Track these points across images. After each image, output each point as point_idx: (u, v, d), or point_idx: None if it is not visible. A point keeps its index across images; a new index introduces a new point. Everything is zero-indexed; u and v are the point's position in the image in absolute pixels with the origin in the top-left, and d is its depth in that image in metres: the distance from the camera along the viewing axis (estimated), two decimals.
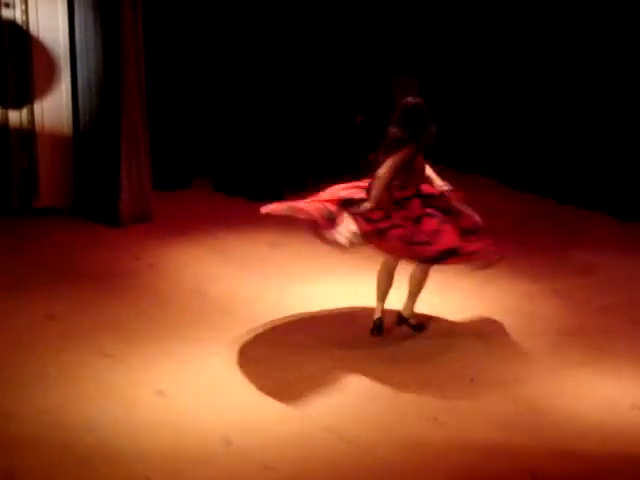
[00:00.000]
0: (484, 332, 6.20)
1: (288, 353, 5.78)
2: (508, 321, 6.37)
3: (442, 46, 9.76)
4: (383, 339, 6.01)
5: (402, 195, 5.71)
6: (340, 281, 6.94)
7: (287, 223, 8.08)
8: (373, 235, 5.56)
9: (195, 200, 8.98)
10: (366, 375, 5.53)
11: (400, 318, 6.09)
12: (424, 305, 6.43)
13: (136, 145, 8.14)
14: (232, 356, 5.78)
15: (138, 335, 6.02)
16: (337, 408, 5.18)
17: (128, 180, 8.14)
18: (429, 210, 5.63)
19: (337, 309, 6.35)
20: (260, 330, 6.14)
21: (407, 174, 5.65)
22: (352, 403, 5.31)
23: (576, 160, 8.49)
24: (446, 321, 6.38)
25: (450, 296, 6.77)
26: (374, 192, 5.57)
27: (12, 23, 7.94)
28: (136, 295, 6.65)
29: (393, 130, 5.64)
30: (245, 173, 9.15)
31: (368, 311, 6.12)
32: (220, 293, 6.71)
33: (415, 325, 6.12)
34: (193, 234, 7.96)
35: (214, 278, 7.05)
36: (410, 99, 5.65)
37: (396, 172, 5.56)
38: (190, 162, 9.44)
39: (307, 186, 8.72)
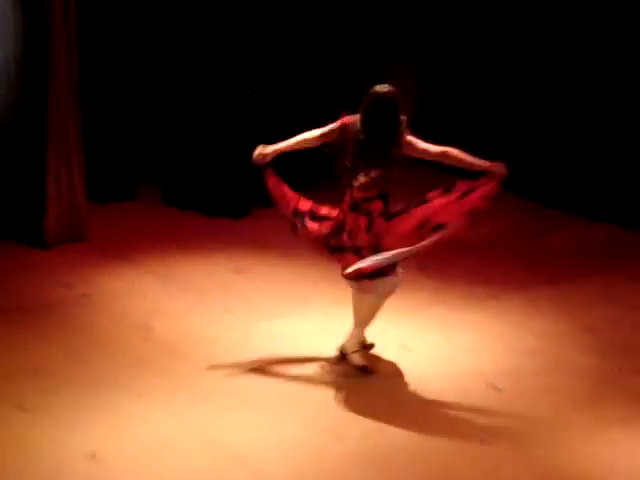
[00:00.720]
0: (497, 380, 6.17)
1: (253, 408, 5.76)
2: (527, 367, 6.36)
3: (447, 28, 9.94)
4: (369, 386, 6.05)
5: (362, 196, 5.85)
6: (316, 316, 6.97)
7: (253, 244, 8.35)
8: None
9: (140, 215, 8.99)
10: (350, 436, 5.56)
11: (340, 354, 6.20)
12: (420, 346, 6.45)
13: (66, 149, 8.12)
14: (184, 411, 5.73)
15: (66, 383, 5.97)
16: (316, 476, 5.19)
17: (56, 190, 8.11)
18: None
19: (312, 352, 6.41)
20: (219, 378, 6.13)
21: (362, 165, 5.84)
22: (337, 468, 5.26)
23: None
24: (449, 366, 6.37)
25: (454, 334, 6.78)
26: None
27: None
28: (65, 333, 6.65)
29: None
30: (202, 183, 9.14)
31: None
32: (170, 331, 6.73)
33: (360, 366, 6.13)
34: (137, 257, 7.96)
35: (163, 312, 7.04)
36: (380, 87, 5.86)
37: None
38: (134, 169, 9.45)
39: None
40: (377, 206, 5.92)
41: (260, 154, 6.16)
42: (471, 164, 5.87)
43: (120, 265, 7.80)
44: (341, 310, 6.60)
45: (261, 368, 6.20)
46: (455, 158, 5.88)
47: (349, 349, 6.23)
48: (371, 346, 6.37)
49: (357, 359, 6.19)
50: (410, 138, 5.89)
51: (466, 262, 8.04)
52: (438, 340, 6.66)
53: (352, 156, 5.84)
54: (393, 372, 6.25)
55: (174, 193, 9.27)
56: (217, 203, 9.00)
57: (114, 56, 9.10)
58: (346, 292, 6.57)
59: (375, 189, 5.90)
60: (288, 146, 6.11)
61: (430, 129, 9.68)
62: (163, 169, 9.45)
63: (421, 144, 5.89)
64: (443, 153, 5.87)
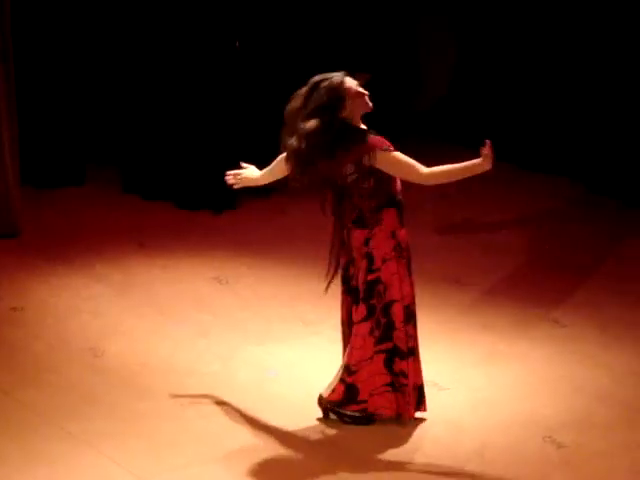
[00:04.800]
0: (558, 434, 6.05)
1: (232, 465, 5.69)
2: (599, 417, 6.26)
3: None
4: (388, 436, 5.99)
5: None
6: (318, 341, 6.95)
7: (240, 246, 8.33)
8: None
9: (90, 205, 9.04)
10: None
11: (321, 403, 6.16)
12: (457, 385, 6.42)
13: None
14: (144, 466, 5.63)
15: None
16: None
17: None
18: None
19: (312, 391, 6.26)
20: (189, 422, 6.06)
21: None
22: None
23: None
24: (495, 412, 6.29)
25: (502, 370, 6.72)
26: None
27: None
28: None
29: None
30: (175, 165, 9.16)
31: None
32: (127, 357, 6.75)
33: (352, 415, 6.04)
34: (85, 259, 8.00)
35: (118, 333, 7.02)
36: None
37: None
38: (83, 146, 9.48)
39: (273, 189, 8.84)
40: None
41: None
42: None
43: (63, 270, 7.83)
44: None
45: (245, 411, 6.14)
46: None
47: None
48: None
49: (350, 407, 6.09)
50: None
51: (515, 273, 8.08)
52: (481, 378, 6.61)
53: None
54: (422, 419, 6.16)
55: (137, 178, 9.30)
56: (194, 192, 9.05)
57: (61, 19, 9.27)
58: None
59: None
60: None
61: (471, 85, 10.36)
62: (122, 147, 9.48)
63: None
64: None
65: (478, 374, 6.63)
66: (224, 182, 8.86)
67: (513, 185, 9.80)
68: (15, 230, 8.28)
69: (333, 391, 6.04)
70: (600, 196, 9.51)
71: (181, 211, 8.97)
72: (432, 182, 5.91)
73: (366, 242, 5.89)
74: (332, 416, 6.08)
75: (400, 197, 5.95)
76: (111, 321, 7.15)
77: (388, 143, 5.83)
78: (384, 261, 5.88)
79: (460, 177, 5.90)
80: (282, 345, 6.91)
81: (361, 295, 5.93)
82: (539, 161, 10.07)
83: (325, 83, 5.82)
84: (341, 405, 6.00)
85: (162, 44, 9.10)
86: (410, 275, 5.97)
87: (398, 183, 5.97)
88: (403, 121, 10.17)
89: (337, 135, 5.78)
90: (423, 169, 5.83)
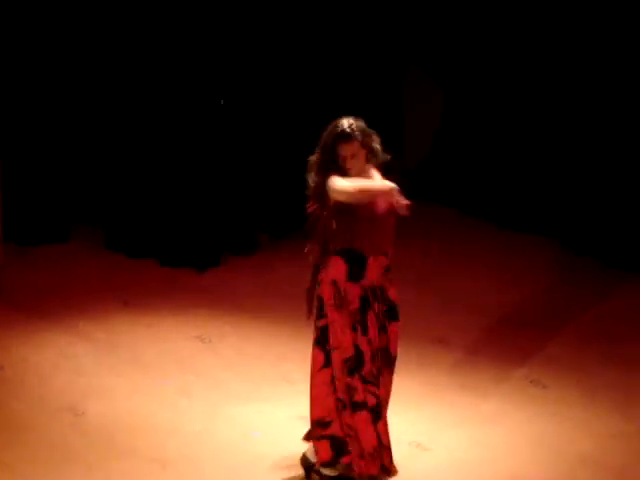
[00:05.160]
0: None
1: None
2: (560, 471, 6.27)
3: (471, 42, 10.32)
4: None
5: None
6: (303, 401, 6.59)
7: (224, 304, 8.28)
8: None
9: (74, 262, 9.02)
10: None
11: (306, 464, 6.07)
12: (439, 445, 6.36)
13: None
14: None
15: None
16: None
17: None
18: None
19: (298, 452, 6.22)
20: None
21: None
22: None
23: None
24: (478, 473, 6.24)
25: (483, 431, 6.69)
26: None
27: None
28: None
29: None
30: (159, 223, 9.15)
31: None
32: (108, 417, 6.70)
33: (332, 477, 5.94)
34: (68, 317, 7.96)
35: (99, 393, 6.97)
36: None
37: None
38: (68, 203, 9.47)
39: (258, 246, 8.88)
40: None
41: None
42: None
43: (45, 328, 7.80)
44: None
45: (228, 471, 6.12)
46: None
47: (313, 458, 6.05)
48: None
49: (327, 470, 5.99)
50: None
51: (498, 333, 8.08)
52: (462, 438, 6.56)
53: None
54: (403, 475, 6.07)
55: (120, 235, 9.28)
56: (178, 250, 9.02)
57: (43, 66, 9.24)
58: None
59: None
60: None
61: (454, 144, 10.40)
62: (106, 205, 9.46)
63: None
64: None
65: (460, 434, 6.58)
66: (207, 240, 8.95)
67: (494, 244, 9.78)
68: None
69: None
70: (581, 256, 9.49)
71: (165, 269, 8.94)
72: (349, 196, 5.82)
73: (319, 284, 5.92)
74: (315, 477, 6.02)
75: (361, 252, 5.87)
76: (93, 380, 7.11)
77: None
78: (328, 307, 5.88)
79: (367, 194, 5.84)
80: (266, 405, 6.86)
81: (315, 339, 5.91)
82: (520, 220, 10.06)
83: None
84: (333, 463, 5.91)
85: (147, 102, 9.10)
86: (357, 330, 5.86)
87: (366, 237, 5.87)
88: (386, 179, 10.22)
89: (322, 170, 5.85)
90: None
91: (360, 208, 5.80)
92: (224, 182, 9.18)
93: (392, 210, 5.83)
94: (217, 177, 9.14)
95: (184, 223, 9.03)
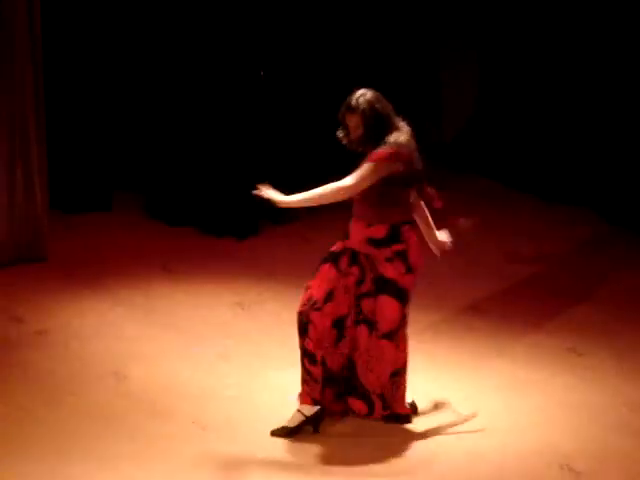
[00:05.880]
0: (575, 462, 6.00)
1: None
2: (617, 446, 6.19)
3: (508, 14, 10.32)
4: (410, 460, 5.99)
5: None
6: None
7: (262, 271, 8.33)
8: None
9: (116, 230, 9.09)
10: None
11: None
12: (475, 411, 6.39)
13: (25, 147, 8.23)
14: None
15: (15, 449, 5.92)
16: None
17: (8, 198, 8.23)
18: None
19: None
20: (210, 445, 6.05)
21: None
22: None
23: None
24: (513, 439, 6.23)
25: (520, 398, 6.68)
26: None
27: None
28: (14, 383, 6.65)
29: None
30: (199, 192, 9.19)
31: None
32: (149, 382, 6.71)
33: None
34: (110, 284, 8.03)
35: (141, 357, 7.01)
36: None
37: None
38: (111, 173, 9.53)
39: (297, 215, 8.93)
40: None
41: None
42: None
43: (88, 294, 7.85)
44: None
45: (265, 433, 6.11)
46: None
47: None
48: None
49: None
50: None
51: (533, 301, 8.06)
52: (499, 405, 6.56)
53: None
54: (441, 445, 6.12)
55: (161, 204, 9.34)
56: (218, 218, 9.07)
57: (89, 44, 9.29)
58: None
59: None
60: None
61: (491, 119, 10.41)
62: (148, 174, 9.52)
63: None
64: None
65: (496, 401, 6.58)
66: (247, 209, 8.97)
67: (532, 215, 9.83)
68: (42, 255, 8.32)
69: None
70: (617, 226, 9.52)
71: (205, 237, 9.00)
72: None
73: None
74: None
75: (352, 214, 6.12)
76: (134, 345, 7.15)
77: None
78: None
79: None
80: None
81: None
82: (556, 191, 10.10)
83: None
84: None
85: (190, 74, 9.15)
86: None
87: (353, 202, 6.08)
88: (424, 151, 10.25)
89: None
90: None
91: None
92: (264, 152, 9.20)
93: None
94: (257, 147, 9.16)
95: (224, 192, 9.06)
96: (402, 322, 6.08)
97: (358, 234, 6.02)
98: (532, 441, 6.21)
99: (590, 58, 9.82)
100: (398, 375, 6.13)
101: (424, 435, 6.20)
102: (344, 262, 6.03)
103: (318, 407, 6.11)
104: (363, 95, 5.96)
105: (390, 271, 5.99)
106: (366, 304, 6.05)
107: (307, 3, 9.48)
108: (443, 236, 6.22)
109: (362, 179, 5.88)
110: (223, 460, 5.89)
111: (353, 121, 5.92)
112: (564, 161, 10.06)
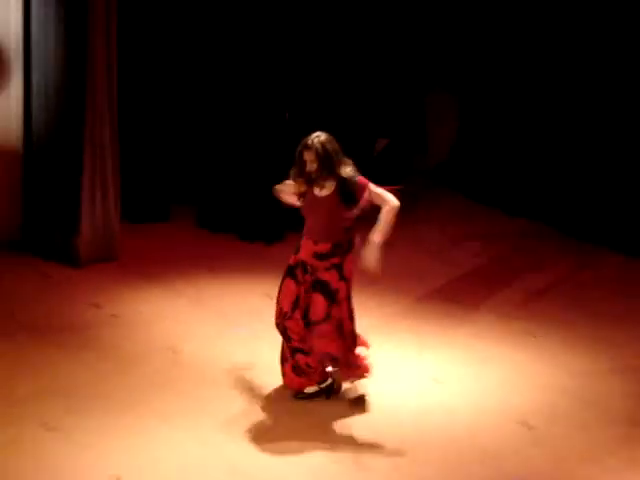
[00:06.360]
0: (529, 418, 6.11)
1: (281, 436, 5.76)
2: (561, 406, 6.30)
3: (488, 59, 10.06)
4: (398, 417, 6.01)
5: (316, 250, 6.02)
6: None
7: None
8: None
9: (173, 236, 8.99)
10: (377, 467, 5.52)
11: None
12: (451, 378, 6.48)
13: (103, 166, 8.11)
14: (209, 437, 5.70)
15: (92, 405, 5.98)
16: None
17: (90, 208, 8.11)
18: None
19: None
20: (247, 404, 6.10)
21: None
22: None
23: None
24: (481, 400, 6.33)
25: (488, 368, 6.75)
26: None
27: None
28: (92, 354, 6.67)
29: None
30: (236, 205, 9.14)
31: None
32: (198, 355, 6.71)
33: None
34: (168, 279, 7.96)
35: (192, 336, 7.02)
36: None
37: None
38: (168, 189, 9.46)
39: None
40: None
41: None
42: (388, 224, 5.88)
43: (150, 286, 7.81)
44: (384, 345, 6.63)
45: (290, 396, 6.17)
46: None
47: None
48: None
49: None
50: None
51: (501, 293, 8.03)
52: (470, 374, 6.63)
53: None
54: (423, 404, 6.22)
55: (208, 215, 9.27)
56: (251, 227, 9.02)
57: (152, 75, 9.14)
58: (391, 321, 6.89)
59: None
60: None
61: (469, 161, 10.23)
62: (197, 191, 9.44)
63: None
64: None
65: (469, 371, 6.63)
66: (274, 219, 8.91)
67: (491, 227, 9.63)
68: (115, 255, 8.23)
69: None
70: (569, 238, 9.30)
71: (241, 242, 8.89)
72: None
73: None
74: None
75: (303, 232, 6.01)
76: (186, 327, 7.10)
77: None
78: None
79: None
80: None
81: None
82: (521, 206, 9.75)
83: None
84: None
85: (235, 108, 9.00)
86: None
87: (306, 223, 6.01)
88: (410, 176, 10.12)
89: None
90: None
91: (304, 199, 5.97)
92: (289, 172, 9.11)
93: (331, 209, 5.84)
94: (283, 167, 9.02)
95: (256, 205, 8.97)
96: (325, 317, 5.96)
97: (308, 250, 5.96)
98: (496, 402, 6.27)
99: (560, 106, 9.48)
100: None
101: (411, 397, 6.26)
102: (300, 273, 5.99)
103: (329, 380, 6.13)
104: (318, 136, 5.84)
105: (326, 276, 5.94)
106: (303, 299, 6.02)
107: (318, 46, 9.33)
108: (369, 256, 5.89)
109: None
110: (258, 417, 5.91)
111: (309, 156, 5.80)
112: (528, 181, 9.76)
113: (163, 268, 8.14)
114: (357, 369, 6.14)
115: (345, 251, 5.96)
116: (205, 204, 9.34)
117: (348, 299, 6.04)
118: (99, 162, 8.06)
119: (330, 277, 5.95)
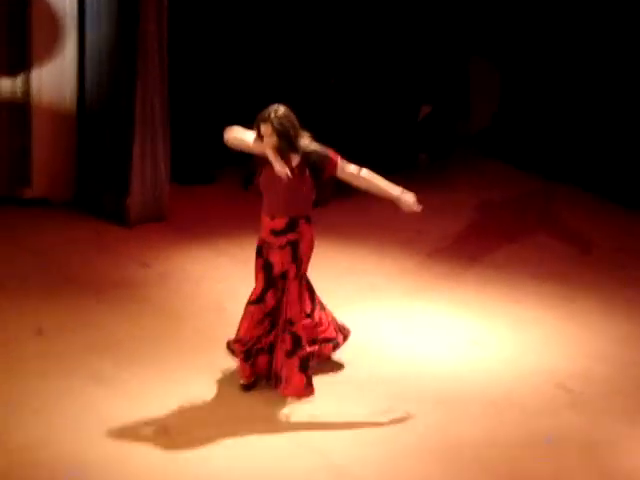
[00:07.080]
0: (567, 381, 6.14)
1: (320, 390, 5.80)
2: (599, 370, 6.31)
3: (531, 29, 9.94)
4: (437, 379, 6.08)
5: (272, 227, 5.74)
6: (390, 305, 6.96)
7: (332, 232, 8.20)
8: None
9: (219, 199, 8.99)
10: (419, 429, 5.58)
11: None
12: (490, 342, 6.52)
13: (153, 128, 8.14)
14: (255, 392, 5.81)
15: (141, 359, 6.09)
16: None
17: (141, 170, 8.13)
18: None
19: (380, 343, 6.43)
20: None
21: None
22: (407, 459, 5.26)
23: None
24: (519, 364, 6.35)
25: (525, 332, 6.75)
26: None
27: None
28: (141, 310, 6.75)
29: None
30: None
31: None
32: (241, 312, 6.56)
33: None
34: (215, 240, 8.00)
35: (237, 294, 6.90)
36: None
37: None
38: (216, 152, 9.11)
39: (327, 200, 8.72)
40: None
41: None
42: (380, 190, 5.66)
43: (197, 246, 7.85)
44: (417, 300, 6.75)
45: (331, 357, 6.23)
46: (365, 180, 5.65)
47: None
48: None
49: None
50: None
51: (537, 258, 7.98)
52: (508, 337, 6.64)
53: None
54: (461, 367, 6.25)
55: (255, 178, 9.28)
56: None
57: (204, 38, 9.11)
58: (425, 283, 6.90)
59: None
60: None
61: (510, 128, 10.15)
62: (245, 155, 9.47)
63: None
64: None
65: (507, 334, 6.65)
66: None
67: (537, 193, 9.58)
68: (163, 216, 8.26)
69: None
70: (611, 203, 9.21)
71: None
72: None
73: None
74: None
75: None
76: (233, 286, 7.07)
77: None
78: None
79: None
80: (362, 308, 6.84)
81: None
82: (563, 173, 9.65)
83: None
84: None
85: (285, 77, 9.05)
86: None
87: (265, 199, 5.83)
88: (453, 142, 10.11)
89: None
90: None
91: (262, 174, 5.74)
92: (334, 136, 8.94)
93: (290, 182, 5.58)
94: (329, 132, 8.89)
95: None
96: (256, 300, 5.79)
97: (266, 227, 5.76)
98: (534, 365, 6.28)
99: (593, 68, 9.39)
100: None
101: (450, 360, 6.30)
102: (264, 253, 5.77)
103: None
104: (276, 110, 5.59)
105: (275, 258, 5.73)
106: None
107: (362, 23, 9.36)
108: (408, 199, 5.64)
109: None
110: None
111: (266, 130, 5.56)
112: (566, 146, 9.61)
113: (210, 228, 8.17)
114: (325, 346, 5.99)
115: (302, 225, 5.68)
116: (249, 168, 9.32)
117: (300, 280, 5.76)
118: (150, 123, 8.09)
119: (278, 259, 5.72)
